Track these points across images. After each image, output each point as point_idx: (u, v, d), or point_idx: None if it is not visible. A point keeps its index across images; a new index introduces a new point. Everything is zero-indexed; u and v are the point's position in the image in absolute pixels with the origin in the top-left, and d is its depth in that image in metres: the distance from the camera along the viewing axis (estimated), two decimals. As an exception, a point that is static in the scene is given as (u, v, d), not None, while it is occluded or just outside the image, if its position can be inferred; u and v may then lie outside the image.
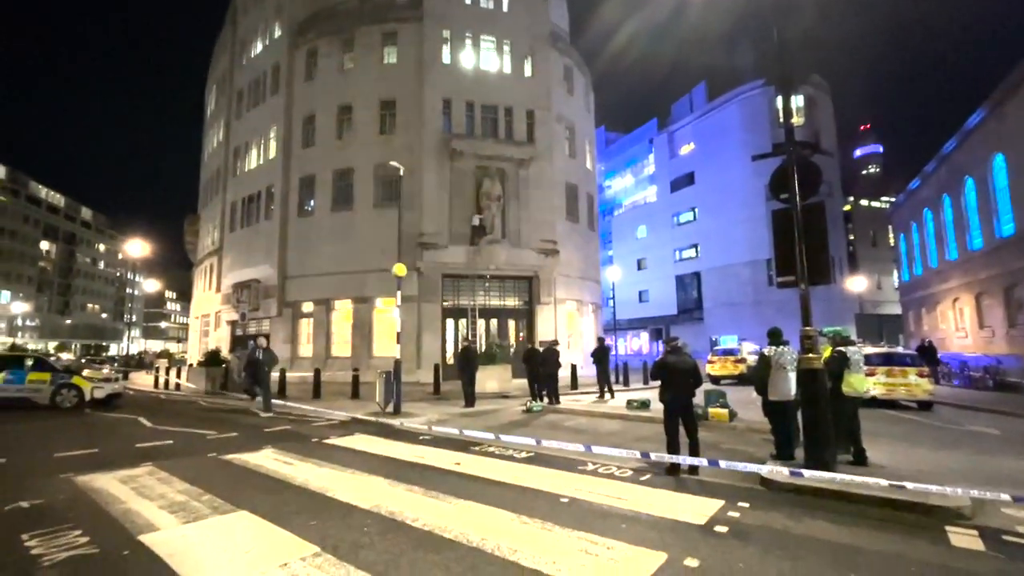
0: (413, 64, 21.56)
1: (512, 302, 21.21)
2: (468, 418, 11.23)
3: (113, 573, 3.48)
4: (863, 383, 6.36)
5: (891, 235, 41.42)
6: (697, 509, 4.72)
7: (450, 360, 19.66)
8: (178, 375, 20.52)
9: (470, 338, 18.30)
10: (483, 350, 17.48)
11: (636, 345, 49.48)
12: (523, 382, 15.84)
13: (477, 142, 21.20)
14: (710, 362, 19.80)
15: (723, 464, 5.35)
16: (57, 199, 78.97)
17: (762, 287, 34.94)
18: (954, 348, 24.48)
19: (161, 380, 20.88)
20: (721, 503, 4.87)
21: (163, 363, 27.13)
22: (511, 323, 21.36)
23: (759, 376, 6.47)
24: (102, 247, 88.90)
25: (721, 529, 4.25)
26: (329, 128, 22.49)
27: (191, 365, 22.28)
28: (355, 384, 14.86)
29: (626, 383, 17.90)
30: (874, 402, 12.22)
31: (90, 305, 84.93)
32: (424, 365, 18.45)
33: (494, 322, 20.91)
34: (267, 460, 6.95)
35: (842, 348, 6.34)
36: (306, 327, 22.08)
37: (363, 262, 20.15)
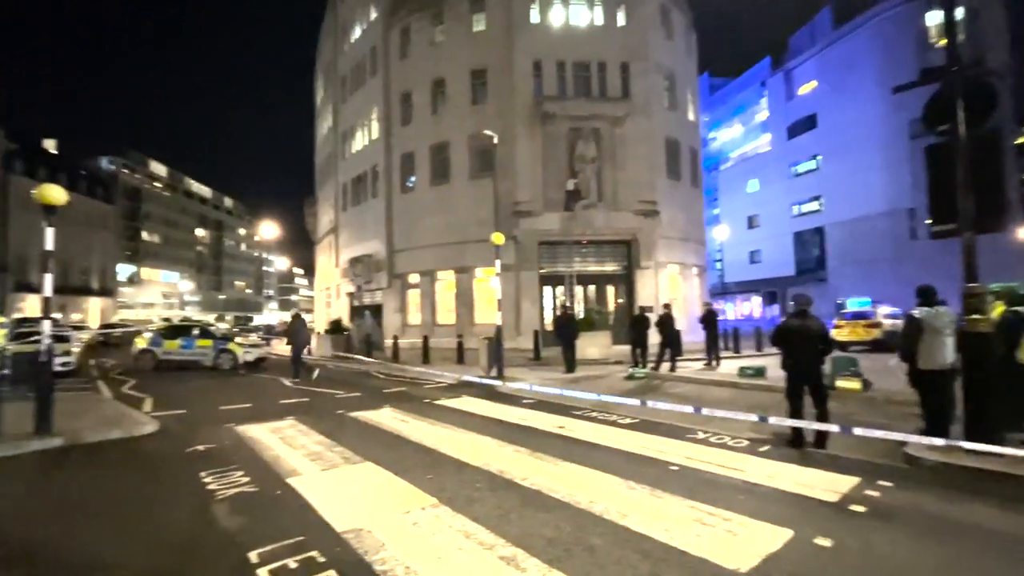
0: (502, 29, 21.23)
1: (610, 267, 20.68)
2: (569, 383, 11.30)
3: (269, 509, 4.04)
4: None
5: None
6: (827, 485, 4.30)
7: (549, 327, 19.84)
8: (309, 342, 23.08)
9: (568, 304, 18.26)
10: (582, 317, 17.36)
11: (747, 309, 46.07)
12: (624, 348, 15.54)
13: (569, 103, 20.52)
14: (836, 326, 17.75)
15: (858, 431, 4.70)
16: (206, 191, 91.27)
17: (902, 241, 30.34)
18: None
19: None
20: (856, 480, 4.39)
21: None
22: (609, 289, 20.90)
23: (906, 342, 5.62)
24: (242, 231, 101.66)
25: (858, 508, 3.83)
26: (424, 104, 23.13)
27: (318, 333, 24.92)
28: (460, 350, 15.63)
29: (736, 350, 16.79)
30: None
31: (236, 282, 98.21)
32: (524, 332, 18.82)
33: (592, 288, 20.60)
34: (386, 418, 7.59)
35: (1019, 308, 5.28)
36: (414, 297, 23.51)
37: (462, 233, 20.80)
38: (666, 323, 12.48)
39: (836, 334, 17.46)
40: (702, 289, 23.70)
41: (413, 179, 23.59)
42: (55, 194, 6.38)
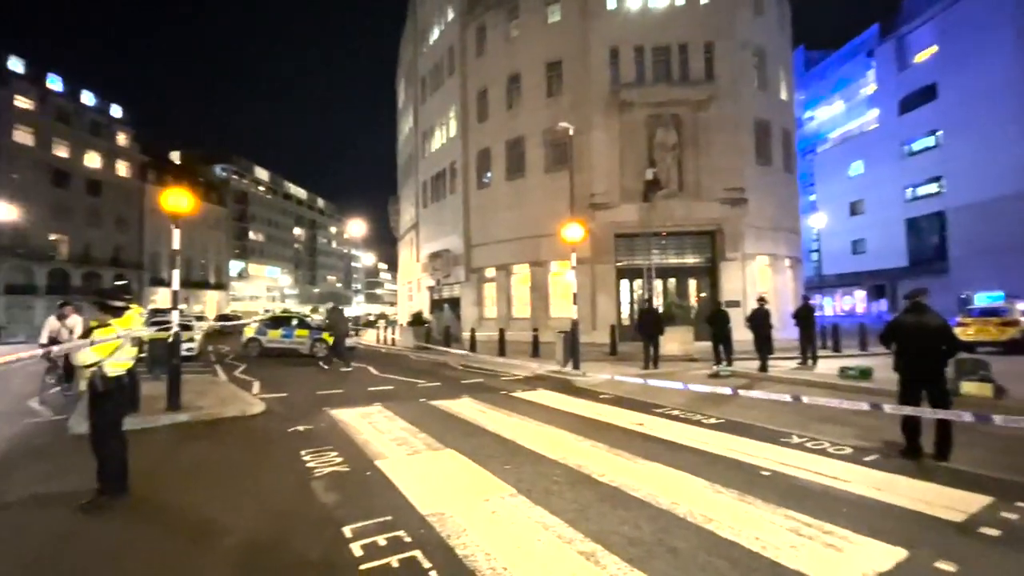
0: (577, 18, 20.86)
1: (692, 259, 19.72)
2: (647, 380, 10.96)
3: (360, 488, 4.32)
4: None
5: None
6: (950, 503, 3.81)
7: (625, 321, 19.35)
8: (392, 333, 24.38)
9: (647, 299, 17.68)
10: (661, 311, 16.75)
11: (848, 305, 42.01)
12: (706, 345, 14.79)
13: (647, 89, 19.74)
14: (960, 324, 15.63)
15: (998, 419, 4.16)
16: (302, 193, 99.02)
17: (1047, 226, 26.07)
18: None
19: (381, 337, 25.07)
20: (988, 499, 3.85)
21: (381, 323, 32.55)
22: (691, 282, 19.95)
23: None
24: (333, 229, 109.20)
25: (989, 531, 3.36)
26: (500, 100, 23.36)
27: (401, 325, 26.19)
28: (535, 343, 15.71)
29: (836, 348, 15.35)
30: None
31: (328, 276, 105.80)
32: (599, 326, 18.52)
33: (672, 281, 19.77)
34: (465, 408, 7.82)
35: None
36: (490, 291, 23.95)
37: (537, 227, 20.82)
38: (760, 319, 11.55)
39: (961, 333, 15.37)
40: (796, 282, 21.92)
41: (489, 175, 23.97)
42: (183, 203, 7.25)
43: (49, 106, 41.22)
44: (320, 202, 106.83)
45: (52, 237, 41.16)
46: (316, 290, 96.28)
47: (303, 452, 5.40)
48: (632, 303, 19.89)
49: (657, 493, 4.05)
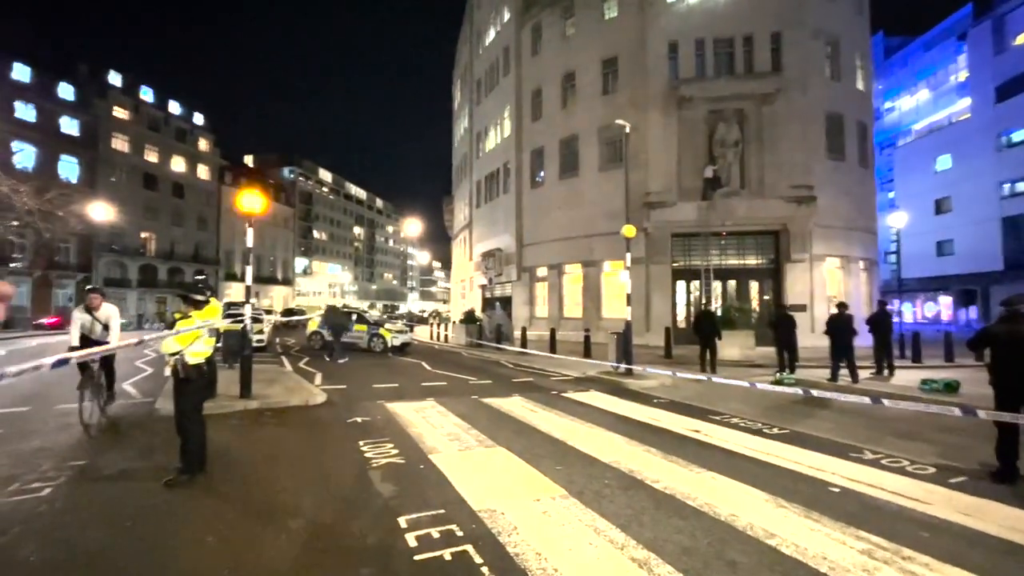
0: (634, 13, 20.40)
1: (753, 260, 18.80)
2: (704, 385, 10.57)
3: (415, 481, 4.44)
4: None
5: None
6: (1053, 535, 3.42)
7: (681, 324, 18.75)
8: (445, 330, 24.89)
9: (704, 301, 17.05)
10: (719, 314, 16.11)
11: (931, 311, 38.58)
12: (769, 350, 14.06)
13: (708, 84, 19.00)
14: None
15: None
16: (361, 194, 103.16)
17: None
18: None
19: (434, 334, 25.64)
20: (1101, 534, 3.42)
21: (435, 320, 33.31)
22: (753, 284, 19.04)
23: None
24: (390, 228, 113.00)
25: (1103, 570, 2.99)
26: (554, 98, 23.27)
27: (454, 323, 26.70)
28: (587, 344, 15.53)
29: (916, 359, 14.13)
30: None
31: (386, 274, 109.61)
32: (653, 328, 18.05)
33: (732, 283, 18.95)
34: (516, 406, 7.86)
35: None
36: (541, 290, 23.94)
37: (590, 227, 20.60)
38: (840, 325, 10.72)
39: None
40: (871, 286, 20.43)
41: (542, 174, 23.94)
42: (256, 204, 7.75)
43: (142, 115, 45.24)
44: (379, 202, 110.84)
45: (143, 235, 45.16)
46: (373, 287, 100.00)
47: (361, 442, 5.62)
48: (688, 305, 19.24)
49: (714, 503, 3.90)
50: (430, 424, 6.54)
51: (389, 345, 16.96)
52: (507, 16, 26.87)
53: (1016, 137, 31.86)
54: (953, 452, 5.38)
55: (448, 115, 42.24)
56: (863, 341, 11.42)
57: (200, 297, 4.59)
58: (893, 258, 38.75)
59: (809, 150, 18.63)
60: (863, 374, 10.72)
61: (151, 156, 46.24)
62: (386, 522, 3.55)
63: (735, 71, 19.11)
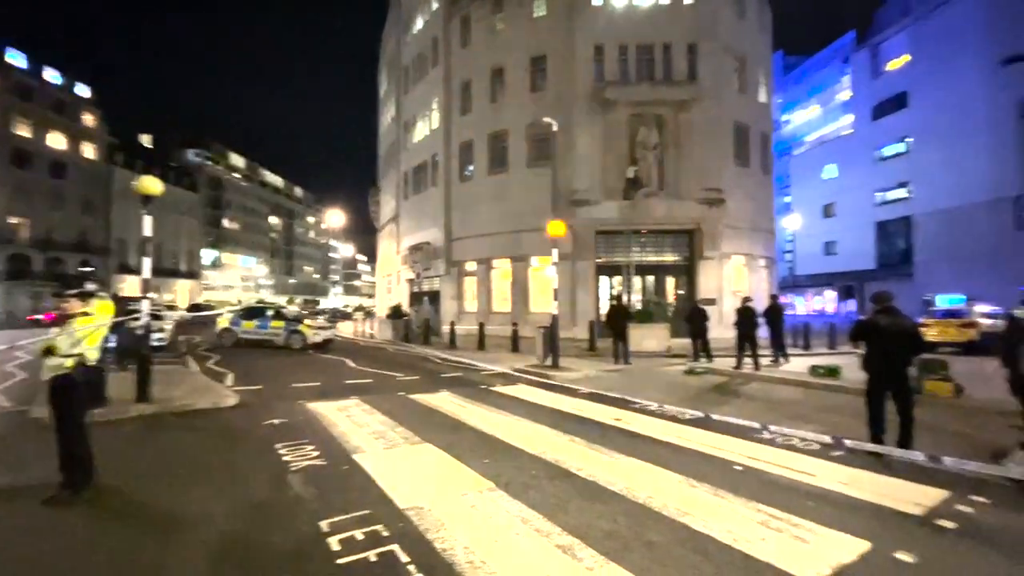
0: (562, 13, 20.82)
1: (670, 257, 20.01)
2: (626, 375, 11.12)
3: (338, 482, 4.28)
4: None
5: None
6: (911, 496, 3.98)
7: (604, 317, 19.54)
8: (371, 325, 24.15)
9: (619, 295, 17.90)
10: (639, 308, 16.99)
11: (819, 304, 43.23)
12: (683, 341, 15.05)
13: (631, 88, 19.87)
14: (924, 325, 16.20)
15: (949, 460, 4.39)
16: (278, 181, 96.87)
17: (1006, 233, 27.27)
18: None
19: (359, 329, 24.78)
20: (946, 493, 4.03)
21: (359, 315, 32.19)
22: (669, 280, 20.25)
23: (1007, 345, 5.08)
24: (311, 219, 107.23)
25: (946, 524, 3.53)
26: (484, 92, 23.21)
27: (379, 317, 25.96)
28: (515, 338, 15.76)
29: (806, 347, 15.81)
30: None
31: (305, 267, 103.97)
32: (579, 322, 18.66)
33: (651, 279, 20.03)
34: (444, 402, 7.81)
35: None
36: (470, 285, 23.88)
37: (518, 222, 20.82)
38: (745, 318, 11.73)
39: (926, 334, 16.00)
40: (770, 282, 22.46)
41: (471, 168, 23.83)
42: (153, 185, 7.01)
43: (9, 81, 39.30)
44: (298, 191, 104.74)
45: (11, 220, 39.37)
46: (292, 281, 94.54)
47: (278, 445, 5.32)
48: (611, 299, 20.09)
49: (634, 487, 4.13)
50: (354, 423, 6.32)
51: (309, 342, 16.15)
52: (435, 5, 26.36)
53: (887, 152, 36.43)
54: (835, 430, 6.06)
55: (374, 102, 40.74)
56: (763, 332, 12.60)
57: (76, 291, 4.10)
58: (789, 256, 43.04)
59: (719, 156, 20.09)
60: (764, 362, 11.81)
61: (22, 129, 40.36)
62: (306, 527, 3.39)
63: (655, 78, 20.13)
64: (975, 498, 3.97)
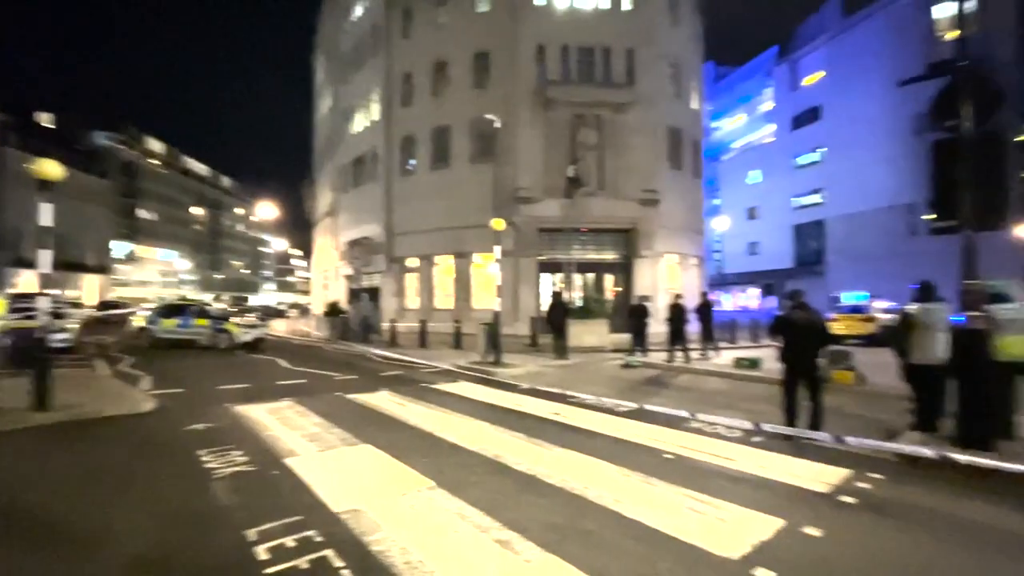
0: (505, 11, 20.87)
1: (609, 256, 20.66)
2: (566, 370, 11.37)
3: (267, 488, 4.08)
4: (1018, 346, 5.30)
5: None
6: (818, 476, 4.36)
7: (545, 313, 19.87)
8: (306, 323, 23.14)
9: (559, 291, 18.28)
10: (580, 305, 17.41)
11: (744, 301, 46.19)
12: (621, 337, 15.60)
13: (572, 88, 20.29)
14: (833, 319, 17.86)
15: (852, 440, 4.85)
16: (203, 169, 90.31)
17: (901, 237, 30.37)
18: None
19: (293, 328, 23.69)
20: (848, 472, 4.45)
21: (294, 313, 30.79)
22: (608, 277, 20.91)
23: (899, 336, 5.68)
24: (240, 211, 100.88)
25: (847, 499, 3.90)
26: (426, 86, 22.84)
27: (316, 315, 24.95)
28: (457, 335, 15.66)
29: (732, 340, 16.88)
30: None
31: (234, 262, 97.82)
32: (521, 318, 18.86)
33: (591, 276, 20.60)
34: (383, 401, 7.64)
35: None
36: (412, 281, 23.48)
37: (461, 218, 20.69)
38: (677, 314, 12.41)
39: (833, 327, 17.55)
40: (700, 279, 23.74)
41: (413, 162, 23.40)
42: (51, 169, 6.31)
43: None
44: (225, 180, 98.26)
45: None
46: (219, 276, 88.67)
47: (201, 452, 4.98)
48: (552, 296, 20.46)
49: (571, 479, 4.23)
50: (287, 426, 6.04)
51: (238, 341, 15.20)
52: (376, -7, 25.58)
53: (803, 160, 39.49)
54: (756, 417, 6.51)
55: (311, 88, 38.89)
56: (695, 327, 13.34)
57: None
58: (718, 255, 45.71)
59: (655, 159, 20.96)
60: (694, 355, 12.49)
61: None
62: (231, 538, 3.20)
63: (596, 80, 20.66)
64: (872, 475, 4.41)
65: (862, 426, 5.96)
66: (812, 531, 3.32)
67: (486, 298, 19.24)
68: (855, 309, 18.55)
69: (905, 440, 5.10)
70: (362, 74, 26.86)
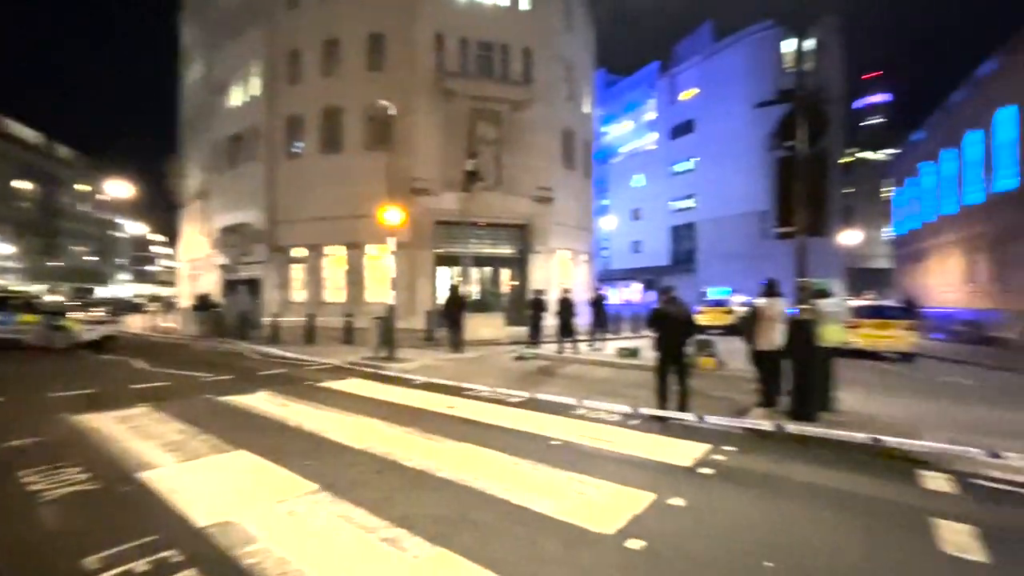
0: (403, -6, 20.17)
1: (506, 250, 21.05)
2: (461, 363, 11.40)
3: (114, 508, 3.56)
4: (837, 334, 6.45)
5: (887, 189, 41.09)
6: (684, 452, 4.88)
7: (442, 307, 19.74)
8: (171, 319, 20.54)
9: (455, 284, 18.31)
10: (477, 298, 17.57)
11: (628, 295, 49.94)
12: (516, 330, 16.05)
13: (471, 82, 20.26)
14: (700, 312, 20.04)
15: (711, 418, 5.49)
16: (31, 136, 75.58)
17: (757, 239, 34.93)
18: (940, 302, 24.95)
19: (154, 324, 20.88)
20: (708, 446, 5.03)
21: (155, 307, 27.14)
22: (504, 271, 21.31)
23: (747, 327, 6.54)
24: (84, 187, 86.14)
25: (706, 471, 4.40)
26: (315, 64, 21.32)
27: (184, 309, 22.25)
28: (348, 330, 14.95)
29: (617, 332, 18.17)
30: (859, 353, 12.51)
31: (76, 247, 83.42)
32: (417, 312, 18.50)
33: (487, 270, 20.84)
34: (262, 402, 7.05)
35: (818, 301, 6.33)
36: (298, 273, 21.91)
37: (354, 207, 19.68)
38: (567, 307, 13.06)
39: (699, 319, 19.71)
40: (590, 275, 25.17)
41: (300, 144, 21.78)
42: None
43: None
44: (64, 151, 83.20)
45: None
46: (56, 264, 75.09)
47: (24, 473, 4.19)
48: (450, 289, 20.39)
49: (462, 471, 4.26)
50: (142, 435, 5.31)
51: (79, 340, 12.99)
52: (256, -46, 23.26)
53: (678, 168, 43.62)
54: (634, 402, 7.08)
55: (175, 48, 34.21)
56: (586, 320, 14.17)
57: None
58: (606, 252, 48.83)
59: (550, 158, 21.74)
60: (584, 347, 13.24)
61: None
62: (63, 568, 2.75)
63: (494, 75, 20.84)
64: (726, 447, 5.03)
65: (720, 406, 6.77)
66: (677, 501, 3.71)
67: (380, 291, 18.58)
68: (718, 303, 21.02)
69: (752, 416, 5.90)
70: (240, 44, 24.31)
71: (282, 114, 22.01)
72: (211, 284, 25.22)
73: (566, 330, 12.90)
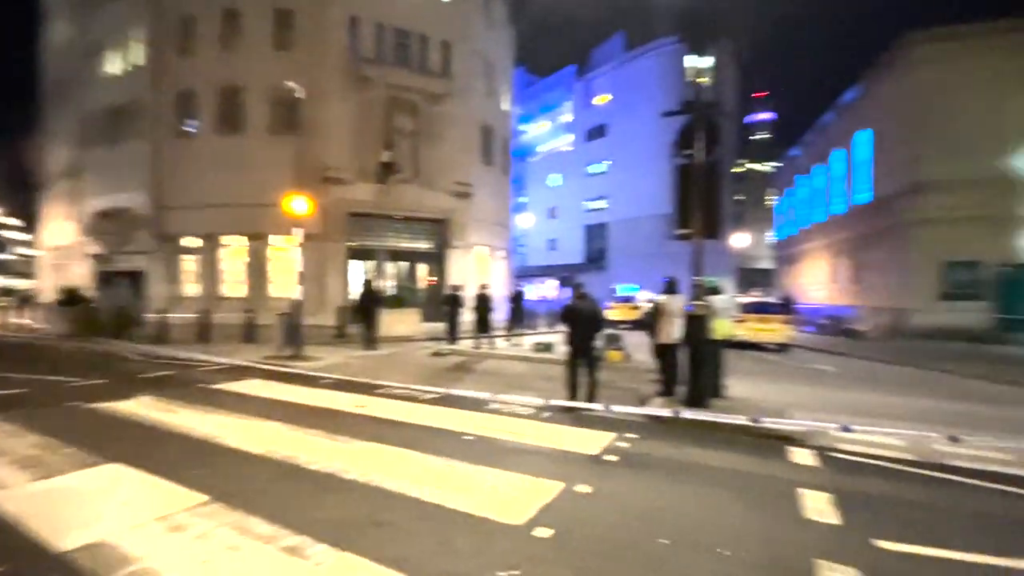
0: (313, -31, 18.98)
1: (423, 245, 20.66)
2: (375, 361, 11.05)
3: (-55, 539, 3.02)
4: (726, 328, 7.14)
5: (771, 198, 45.94)
6: (591, 441, 5.11)
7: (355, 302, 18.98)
8: (29, 315, 17.76)
9: (373, 280, 17.74)
10: (394, 293, 17.08)
11: (544, 291, 51.29)
12: (433, 326, 15.86)
13: (388, 69, 19.56)
14: (610, 308, 21.12)
15: (616, 408, 5.81)
16: None
17: (663, 240, 37.41)
18: (812, 299, 28.40)
19: (8, 321, 17.91)
20: (613, 435, 5.32)
21: (10, 302, 23.34)
22: (421, 266, 20.92)
23: (651, 321, 7.01)
24: (-92, 158, 71.59)
25: (611, 458, 4.66)
26: (212, 36, 19.39)
27: (47, 304, 19.34)
28: (249, 327, 13.88)
29: (534, 328, 18.59)
30: (744, 344, 13.89)
31: (-103, 230, 69.15)
32: (328, 307, 17.60)
33: (404, 265, 20.33)
34: (143, 408, 6.33)
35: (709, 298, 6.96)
36: (190, 264, 19.89)
37: (257, 195, 18.23)
38: (483, 303, 13.10)
39: (609, 314, 20.79)
40: (508, 271, 25.48)
41: (195, 124, 19.75)
42: None
43: None
44: None
45: None
46: None
47: None
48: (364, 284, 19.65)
49: (371, 472, 4.14)
50: (-14, 452, 4.55)
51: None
52: (141, -94, 20.67)
53: (592, 170, 45.48)
54: (546, 395, 7.29)
55: (34, 4, 29.47)
56: (504, 315, 14.34)
57: None
58: (523, 249, 49.75)
59: (468, 153, 21.64)
60: (500, 341, 13.40)
61: None
62: None
63: (412, 65, 20.30)
64: (629, 435, 5.35)
65: (626, 396, 7.18)
66: (584, 488, 3.88)
67: (287, 285, 17.43)
68: (626, 299, 22.26)
69: (653, 405, 6.33)
70: (119, 5, 21.50)
71: (171, 88, 19.79)
72: (83, 276, 22.15)
73: (483, 326, 12.96)
